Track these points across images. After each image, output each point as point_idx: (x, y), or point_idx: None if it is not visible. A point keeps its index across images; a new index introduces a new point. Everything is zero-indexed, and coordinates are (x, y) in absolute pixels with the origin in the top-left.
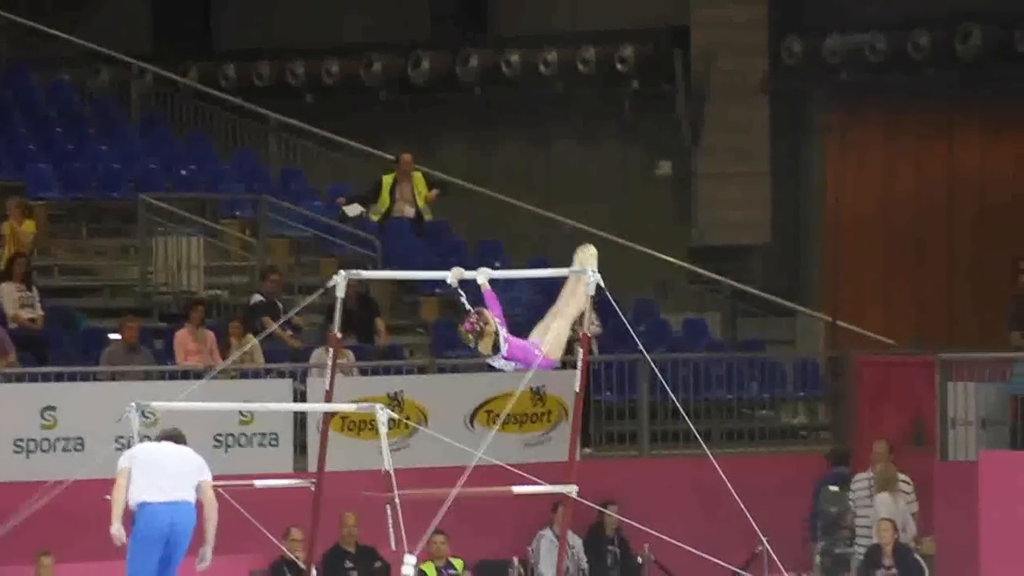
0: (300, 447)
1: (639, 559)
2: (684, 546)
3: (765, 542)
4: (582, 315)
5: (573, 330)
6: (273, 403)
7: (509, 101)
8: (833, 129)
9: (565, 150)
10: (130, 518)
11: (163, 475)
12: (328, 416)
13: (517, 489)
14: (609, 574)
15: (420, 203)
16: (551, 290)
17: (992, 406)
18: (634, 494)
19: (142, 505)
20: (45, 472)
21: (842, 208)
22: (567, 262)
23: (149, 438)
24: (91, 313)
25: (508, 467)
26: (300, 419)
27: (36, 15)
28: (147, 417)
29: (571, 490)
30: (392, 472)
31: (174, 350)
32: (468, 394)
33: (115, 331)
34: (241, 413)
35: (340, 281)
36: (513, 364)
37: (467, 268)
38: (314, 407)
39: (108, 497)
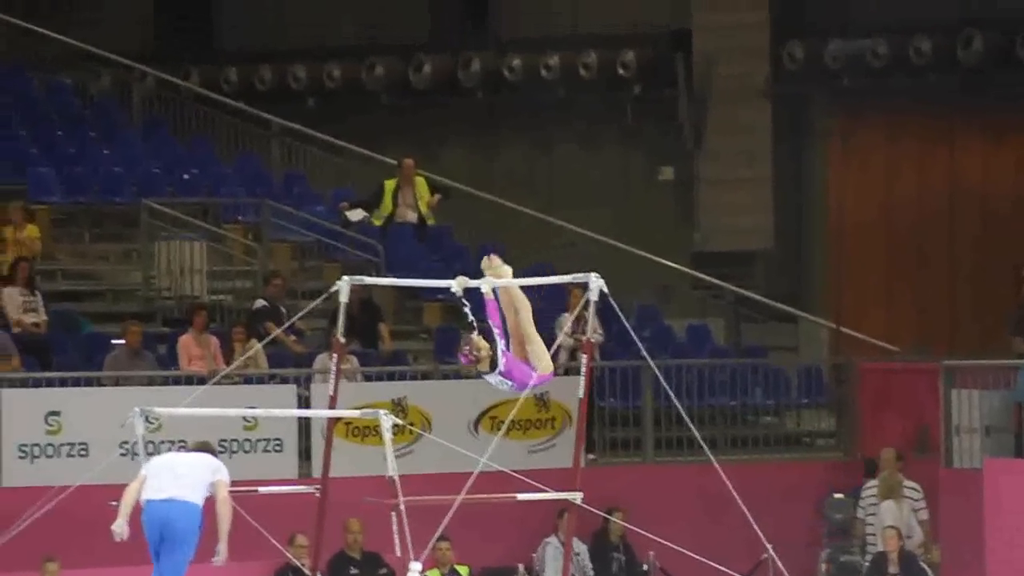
0: (304, 453)
1: (644, 566)
2: (689, 553)
3: (770, 549)
4: (583, 322)
5: (576, 338)
6: (277, 409)
7: (511, 105)
8: (835, 134)
9: (567, 155)
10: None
11: (168, 476)
12: (332, 422)
13: (522, 496)
14: None
15: (422, 208)
16: (553, 296)
17: (996, 413)
18: (639, 501)
19: (144, 504)
20: (50, 477)
21: (844, 213)
22: (570, 267)
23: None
24: (94, 318)
25: (512, 473)
26: (304, 425)
27: (36, 17)
28: (151, 423)
29: (576, 497)
30: (397, 478)
31: (178, 355)
32: (472, 400)
33: (118, 336)
34: (245, 419)
35: (343, 286)
36: (509, 383)
37: (469, 274)
38: (318, 413)
39: (114, 503)
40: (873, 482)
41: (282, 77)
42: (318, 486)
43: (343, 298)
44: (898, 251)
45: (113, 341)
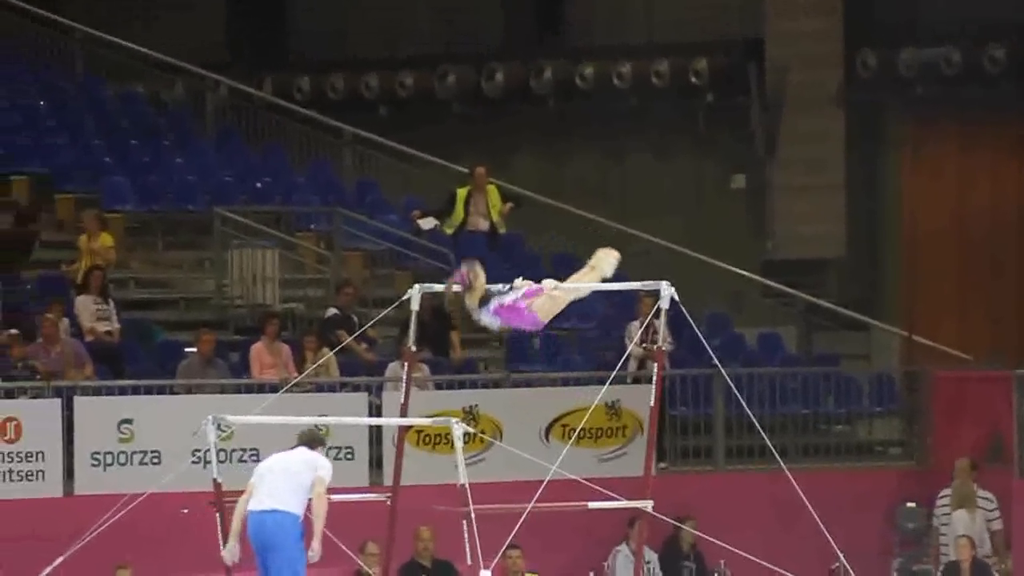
0: (376, 461)
1: (715, 574)
2: (760, 561)
3: (842, 557)
4: (652, 330)
5: (645, 347)
6: (348, 417)
7: (583, 114)
8: (908, 142)
9: (639, 163)
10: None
11: (269, 484)
12: (403, 430)
13: (592, 504)
14: None
15: (494, 216)
16: (624, 304)
17: None
18: (710, 509)
19: (247, 514)
20: (122, 485)
21: (917, 221)
22: (641, 276)
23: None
24: (167, 326)
25: (583, 481)
26: (375, 433)
27: (110, 26)
28: (223, 431)
29: (647, 505)
30: (467, 486)
31: (250, 363)
32: (543, 408)
33: (191, 344)
34: (317, 426)
35: (415, 294)
36: (499, 320)
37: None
38: (389, 421)
39: (186, 510)
40: (947, 491)
41: (354, 86)
42: (389, 494)
43: (414, 306)
44: (971, 260)
45: (186, 349)
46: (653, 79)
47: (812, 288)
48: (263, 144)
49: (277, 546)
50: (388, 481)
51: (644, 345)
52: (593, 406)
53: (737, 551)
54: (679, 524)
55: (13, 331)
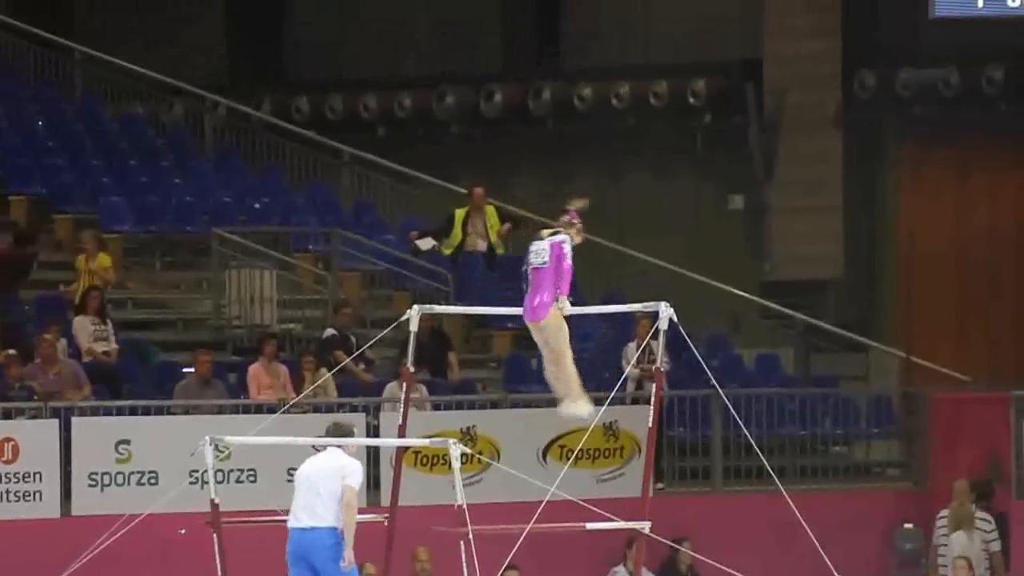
0: (373, 481)
1: None
2: None
3: None
4: (648, 351)
5: (642, 368)
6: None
7: (581, 134)
8: (906, 163)
9: (638, 184)
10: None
11: (304, 497)
12: (401, 451)
13: (590, 525)
14: None
15: (492, 237)
16: (624, 325)
17: None
18: (708, 530)
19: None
20: (119, 506)
21: (915, 242)
22: (640, 296)
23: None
24: (165, 346)
25: (581, 502)
26: (373, 453)
27: (109, 47)
28: (221, 451)
29: (644, 526)
30: (465, 507)
31: (247, 384)
32: (541, 429)
33: (189, 365)
34: (314, 447)
35: (413, 315)
36: (545, 258)
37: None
38: (387, 442)
39: (183, 531)
40: (945, 512)
41: (353, 106)
42: (387, 515)
43: (413, 327)
44: (970, 281)
45: (183, 370)
46: (651, 100)
47: (810, 309)
48: (261, 165)
49: (319, 565)
50: (386, 502)
51: (642, 366)
52: (591, 427)
53: (735, 572)
54: (676, 545)
55: (11, 352)
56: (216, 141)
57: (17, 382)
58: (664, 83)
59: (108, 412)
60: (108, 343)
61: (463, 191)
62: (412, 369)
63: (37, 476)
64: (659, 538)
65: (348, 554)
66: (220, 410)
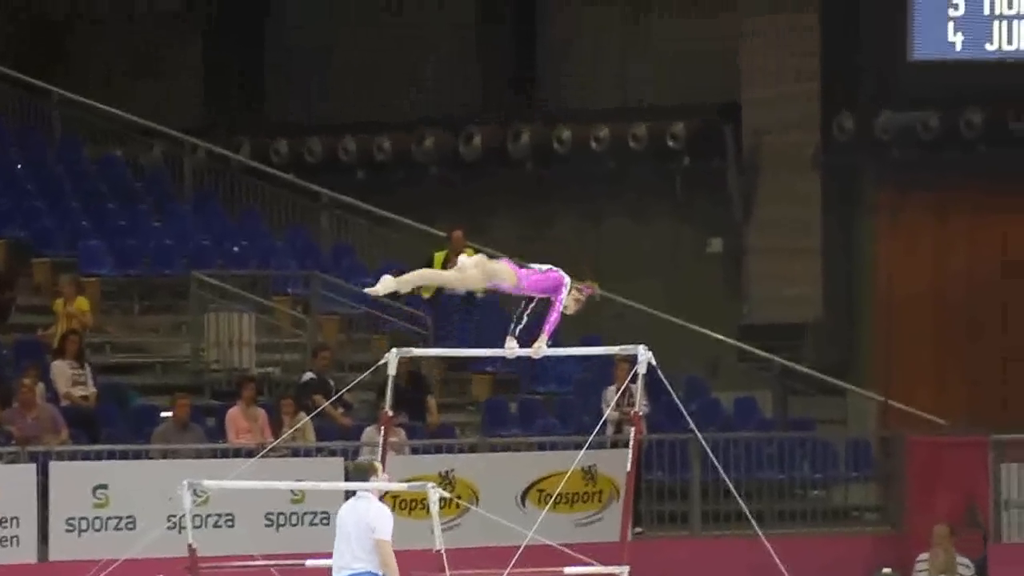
0: None
1: None
2: None
3: None
4: (628, 395)
5: (622, 411)
6: (324, 482)
7: (561, 177)
8: (885, 206)
9: (617, 226)
10: None
11: (342, 544)
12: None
13: (568, 570)
14: None
15: None
16: (601, 368)
17: None
18: (686, 574)
19: None
20: (97, 551)
21: (894, 286)
22: (618, 339)
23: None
24: (143, 390)
25: (560, 547)
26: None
27: (89, 90)
28: (199, 496)
29: (623, 571)
30: (444, 551)
31: (226, 428)
32: (519, 473)
33: (167, 409)
34: (292, 492)
35: (392, 359)
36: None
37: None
38: (366, 485)
39: None
40: (925, 556)
41: (332, 149)
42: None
43: (391, 371)
44: (948, 324)
45: (161, 414)
46: (630, 142)
47: (788, 352)
48: (240, 208)
49: None
50: None
51: (621, 409)
52: (570, 471)
53: None
54: None
55: None
56: (195, 184)
57: None
58: (643, 126)
59: (86, 456)
60: (86, 387)
61: (442, 234)
62: (390, 413)
63: (14, 521)
64: None
65: None
66: (198, 454)
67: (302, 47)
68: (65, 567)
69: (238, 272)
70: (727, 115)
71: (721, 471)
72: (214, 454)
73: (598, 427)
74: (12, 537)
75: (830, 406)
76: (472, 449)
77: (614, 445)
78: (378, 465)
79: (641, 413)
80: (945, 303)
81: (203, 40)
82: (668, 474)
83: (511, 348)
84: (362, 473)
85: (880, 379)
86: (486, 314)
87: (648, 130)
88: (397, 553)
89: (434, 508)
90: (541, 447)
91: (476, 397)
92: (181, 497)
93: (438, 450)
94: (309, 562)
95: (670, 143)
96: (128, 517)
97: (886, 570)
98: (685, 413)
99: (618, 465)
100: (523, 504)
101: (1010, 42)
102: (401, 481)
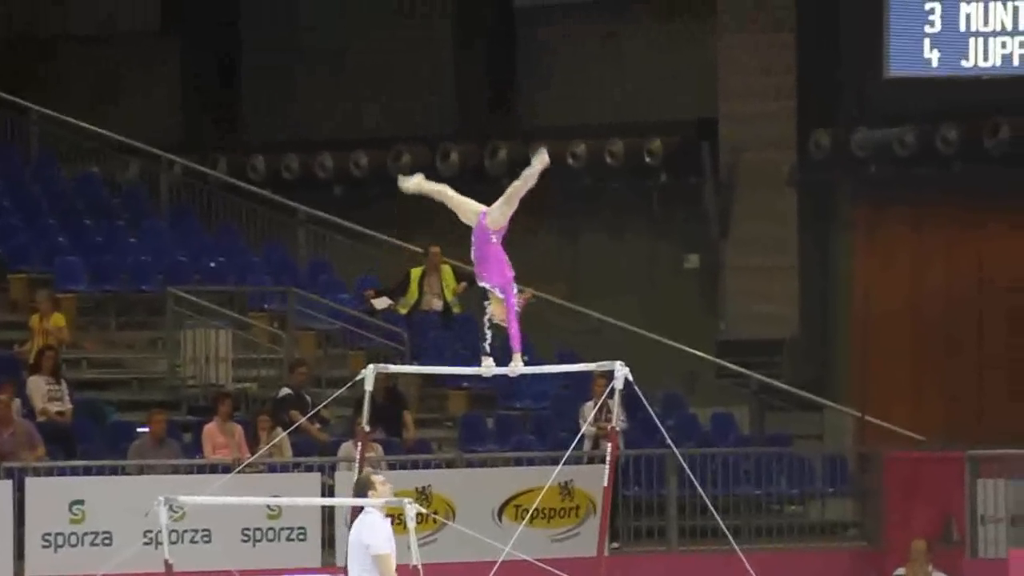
0: (328, 541)
1: None
2: None
3: None
4: (606, 410)
5: (599, 427)
6: (301, 497)
7: (537, 193)
8: (861, 222)
9: (593, 242)
10: None
11: (349, 565)
12: (356, 510)
13: None
14: None
15: (448, 296)
16: (578, 384)
17: (1022, 503)
18: None
19: None
20: (73, 566)
21: (871, 302)
22: (595, 356)
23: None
24: (120, 406)
25: (536, 562)
26: (328, 513)
27: (66, 107)
28: (175, 511)
29: None
30: (420, 567)
31: (202, 443)
32: (496, 488)
33: (143, 424)
34: (269, 507)
35: (368, 374)
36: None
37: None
38: (342, 501)
39: None
40: (901, 570)
41: (309, 165)
42: (342, 575)
43: (368, 386)
44: (925, 340)
45: (138, 429)
46: (607, 159)
47: (765, 368)
48: (217, 224)
49: None
50: (341, 562)
51: (599, 424)
52: (547, 486)
53: None
54: None
55: None
56: (172, 200)
57: None
58: (620, 142)
59: (62, 472)
60: (62, 403)
61: (419, 250)
62: (367, 428)
63: None
64: None
65: None
66: (175, 470)
67: (279, 64)
68: None
69: (215, 288)
70: (704, 132)
71: (698, 486)
72: (190, 470)
73: (575, 442)
74: None
75: (807, 422)
76: (449, 464)
77: (591, 460)
78: (375, 478)
79: (618, 429)
80: (922, 319)
81: (180, 57)
82: (645, 489)
83: (488, 366)
84: (361, 488)
85: (857, 395)
86: (463, 330)
87: (625, 147)
88: None
89: (411, 524)
90: (518, 462)
91: (453, 413)
92: (157, 513)
93: (415, 465)
94: None
95: (647, 160)
96: (105, 533)
97: None
98: (662, 428)
99: (595, 480)
100: (500, 519)
101: (986, 59)
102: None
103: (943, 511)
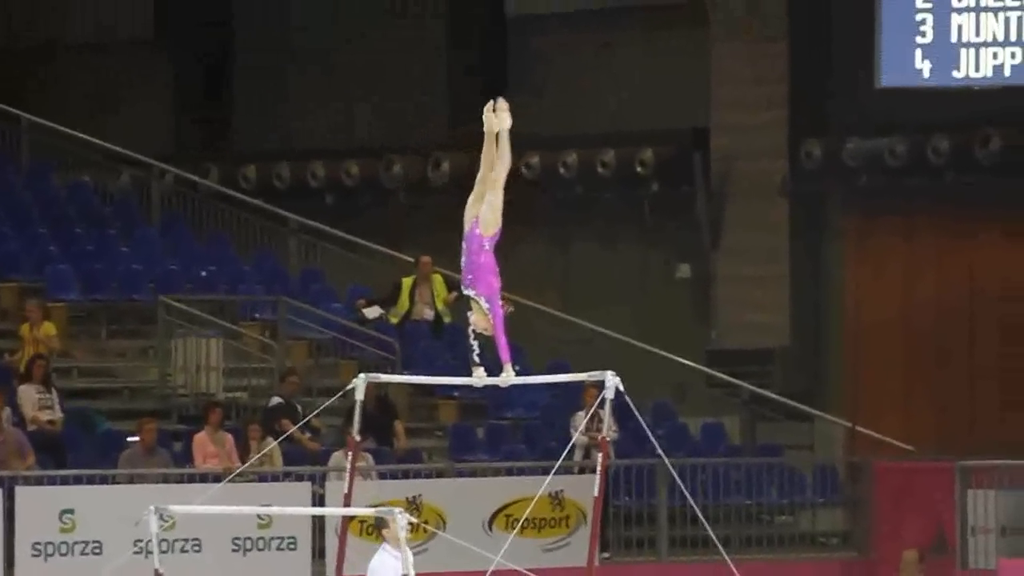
0: (318, 551)
1: None
2: None
3: None
4: (597, 420)
5: (591, 436)
6: (291, 507)
7: (529, 202)
8: (852, 232)
9: (585, 252)
10: None
11: None
12: (347, 520)
13: None
14: None
15: (439, 305)
16: (569, 394)
17: (1012, 513)
18: None
19: None
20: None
21: (862, 312)
22: (586, 365)
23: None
24: (110, 415)
25: (526, 572)
26: (318, 523)
27: (57, 116)
28: (165, 520)
29: None
30: None
31: (193, 453)
32: (486, 498)
33: (134, 433)
34: (259, 517)
35: (359, 384)
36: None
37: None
38: (333, 511)
39: None
40: None
41: (300, 174)
42: None
43: (359, 396)
44: (916, 350)
45: (128, 438)
46: (599, 168)
47: (756, 378)
48: (208, 233)
49: None
50: (331, 571)
51: (590, 434)
52: (537, 496)
53: None
54: None
55: None
56: (163, 209)
57: None
58: (612, 152)
59: (52, 481)
60: (53, 411)
61: (410, 259)
62: (358, 438)
63: None
64: None
65: None
66: (165, 479)
67: (270, 73)
68: None
69: (206, 297)
70: (696, 142)
71: (688, 496)
72: (181, 479)
73: (565, 452)
74: None
75: (798, 432)
76: (439, 474)
77: (581, 470)
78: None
79: (609, 438)
80: (913, 329)
81: (171, 67)
82: (635, 499)
83: (479, 376)
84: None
85: (848, 405)
86: (453, 340)
87: (617, 156)
88: None
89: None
90: (508, 472)
91: (443, 422)
92: (148, 522)
93: (405, 475)
94: None
95: (639, 169)
96: (95, 542)
97: None
98: (653, 438)
99: (585, 490)
100: (490, 529)
101: (977, 69)
102: (368, 506)
103: (934, 521)
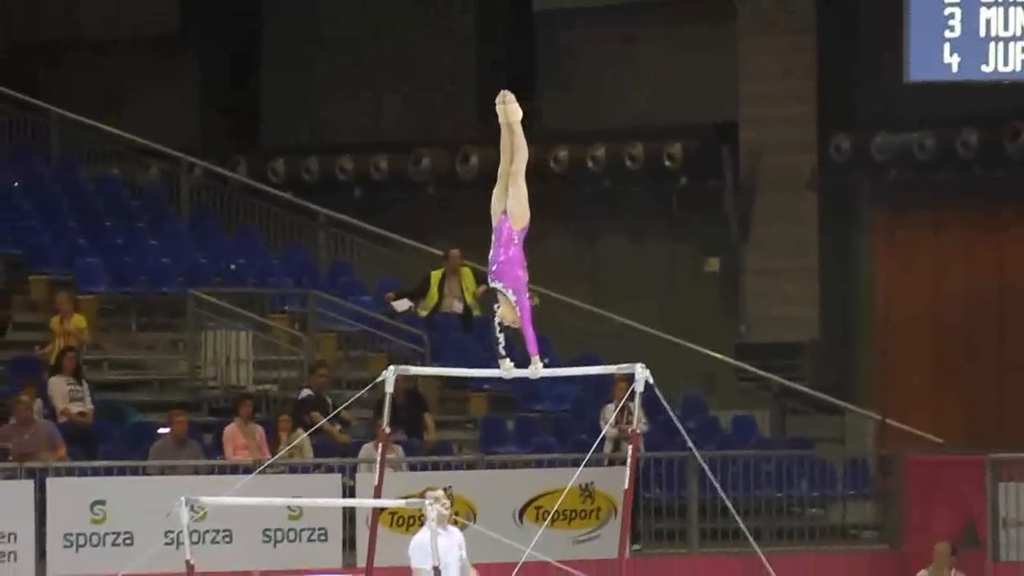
0: (349, 542)
1: None
2: None
3: None
4: (627, 413)
5: (620, 429)
6: (322, 498)
7: (557, 196)
8: (882, 226)
9: (613, 246)
10: None
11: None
12: (377, 511)
13: None
14: None
15: (468, 298)
16: (598, 386)
17: None
18: None
19: None
20: (94, 567)
21: (891, 305)
22: (615, 358)
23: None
24: (140, 407)
25: (557, 564)
26: (349, 514)
27: (86, 109)
28: (196, 512)
29: None
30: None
31: (223, 444)
32: (517, 490)
33: (164, 425)
34: (290, 508)
35: (389, 376)
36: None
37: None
38: (363, 502)
39: None
40: (923, 573)
41: (329, 168)
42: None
43: (389, 388)
44: (946, 343)
45: (159, 431)
46: (627, 162)
47: (786, 371)
48: (237, 226)
49: None
50: (362, 563)
51: (619, 427)
52: (567, 488)
53: None
54: None
55: None
56: (192, 203)
57: None
58: (640, 146)
59: (83, 473)
60: (83, 404)
61: (439, 253)
62: (388, 430)
63: (12, 537)
64: None
65: None
66: (195, 471)
67: (300, 66)
68: None
69: (235, 290)
70: (724, 135)
71: (719, 489)
72: (211, 470)
73: (595, 444)
74: (10, 553)
75: (828, 425)
76: (470, 466)
77: (611, 463)
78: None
79: (639, 431)
80: (942, 322)
81: (200, 60)
82: (666, 491)
83: (508, 368)
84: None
85: (878, 398)
86: (483, 332)
87: (645, 150)
88: (395, 569)
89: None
90: (538, 464)
91: (473, 414)
92: (179, 513)
93: (435, 467)
94: None
95: (667, 163)
96: (126, 533)
97: None
98: (683, 431)
99: (616, 482)
100: (520, 521)
101: (1006, 63)
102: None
103: (964, 514)
